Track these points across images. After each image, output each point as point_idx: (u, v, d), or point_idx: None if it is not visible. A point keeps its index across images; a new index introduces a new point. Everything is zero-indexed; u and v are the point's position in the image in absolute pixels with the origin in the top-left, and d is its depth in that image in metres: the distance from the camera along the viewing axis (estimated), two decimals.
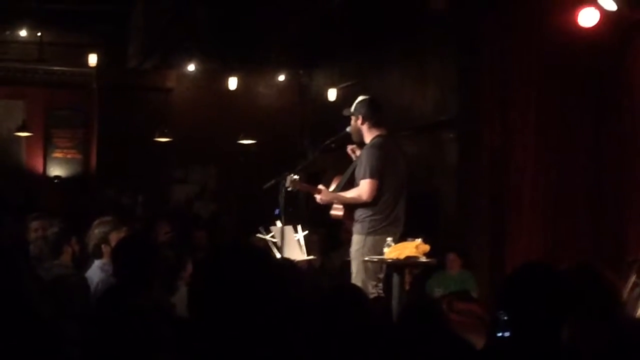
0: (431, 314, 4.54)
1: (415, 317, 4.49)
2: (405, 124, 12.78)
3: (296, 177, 8.12)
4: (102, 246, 7.24)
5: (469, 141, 11.49)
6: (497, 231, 10.67)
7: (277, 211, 11.64)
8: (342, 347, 3.48)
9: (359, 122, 8.01)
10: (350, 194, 7.97)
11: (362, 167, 7.88)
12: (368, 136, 8.01)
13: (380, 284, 7.75)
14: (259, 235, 9.12)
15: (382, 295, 7.61)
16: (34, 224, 8.31)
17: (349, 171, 8.23)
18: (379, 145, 7.90)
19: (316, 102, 18.26)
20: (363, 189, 7.82)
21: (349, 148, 8.47)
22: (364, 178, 7.82)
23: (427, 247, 7.59)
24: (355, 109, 8.06)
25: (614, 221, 9.87)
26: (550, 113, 10.41)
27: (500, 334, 3.89)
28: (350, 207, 8.01)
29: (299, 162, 12.53)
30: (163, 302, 4.94)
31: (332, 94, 16.94)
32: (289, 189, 8.06)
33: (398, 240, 7.74)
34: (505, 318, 3.81)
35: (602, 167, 10.03)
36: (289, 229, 8.66)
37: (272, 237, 8.67)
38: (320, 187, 8.14)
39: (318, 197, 8.13)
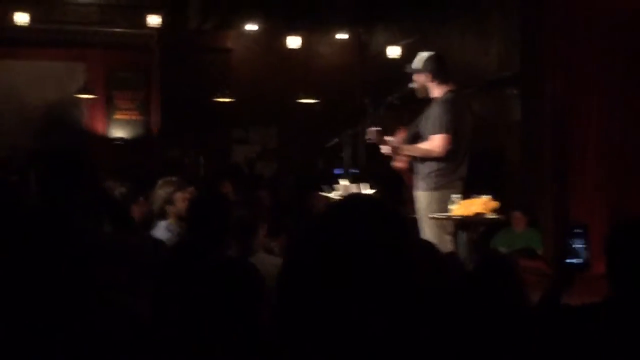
0: (505, 270, 4.51)
1: (489, 272, 4.45)
2: (468, 81, 12.64)
3: (379, 128, 8.05)
4: (167, 207, 7.30)
5: (533, 97, 11.37)
6: (561, 187, 10.58)
7: (337, 171, 11.62)
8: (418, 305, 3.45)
9: (428, 79, 7.90)
10: (423, 146, 7.85)
11: (432, 122, 7.78)
12: (437, 92, 7.87)
13: (452, 239, 7.65)
14: (322, 193, 9.11)
15: (455, 250, 7.49)
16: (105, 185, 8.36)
17: (413, 126, 8.12)
18: (451, 101, 7.77)
19: (376, 60, 18.15)
20: (436, 143, 7.68)
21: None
22: (437, 133, 7.71)
23: (496, 204, 7.49)
24: (423, 65, 7.92)
25: None
26: (614, 67, 10.27)
27: (569, 261, 3.84)
28: (418, 160, 7.90)
29: (360, 120, 12.47)
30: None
31: (392, 51, 16.87)
32: (369, 139, 8.01)
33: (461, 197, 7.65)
34: (575, 246, 3.77)
35: None
36: (353, 187, 8.62)
37: (337, 194, 8.65)
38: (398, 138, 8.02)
39: (388, 144, 7.96)
